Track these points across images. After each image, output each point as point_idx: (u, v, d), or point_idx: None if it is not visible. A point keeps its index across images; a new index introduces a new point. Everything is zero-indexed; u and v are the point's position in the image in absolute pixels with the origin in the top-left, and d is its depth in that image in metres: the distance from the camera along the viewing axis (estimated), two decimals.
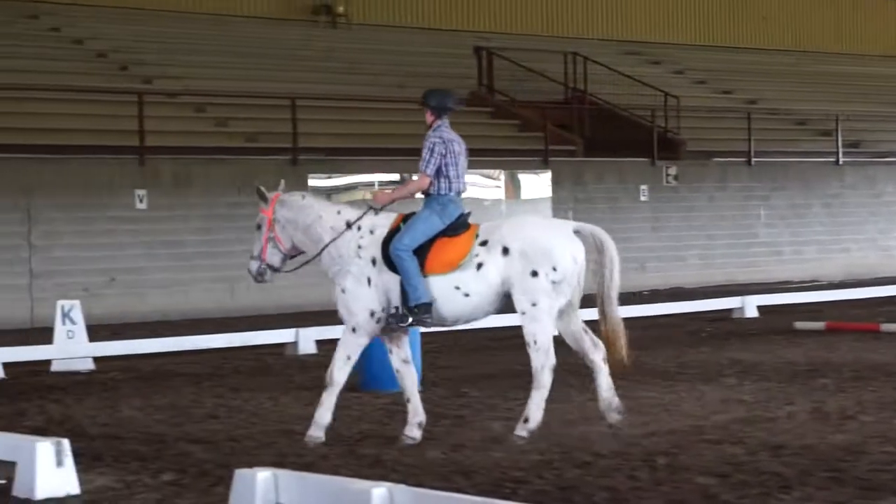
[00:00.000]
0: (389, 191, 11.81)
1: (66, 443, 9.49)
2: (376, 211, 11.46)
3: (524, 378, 15.06)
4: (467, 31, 38.76)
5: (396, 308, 11.05)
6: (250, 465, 9.10)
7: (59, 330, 17.11)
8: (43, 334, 18.83)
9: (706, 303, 23.83)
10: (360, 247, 11.20)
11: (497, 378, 15.29)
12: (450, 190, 11.31)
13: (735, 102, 38.07)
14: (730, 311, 23.24)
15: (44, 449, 9.35)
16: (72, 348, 17.06)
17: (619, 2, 42.60)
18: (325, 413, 11.23)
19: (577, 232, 11.15)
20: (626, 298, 27.79)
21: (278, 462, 9.97)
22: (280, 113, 27.78)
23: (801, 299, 24.84)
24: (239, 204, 25.64)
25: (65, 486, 9.36)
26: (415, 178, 11.61)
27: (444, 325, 11.49)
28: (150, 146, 25.14)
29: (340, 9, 37.14)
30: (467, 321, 11.37)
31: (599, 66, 34.78)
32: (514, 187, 29.50)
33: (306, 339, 18.44)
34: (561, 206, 29.82)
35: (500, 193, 29.21)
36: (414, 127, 29.18)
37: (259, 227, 11.61)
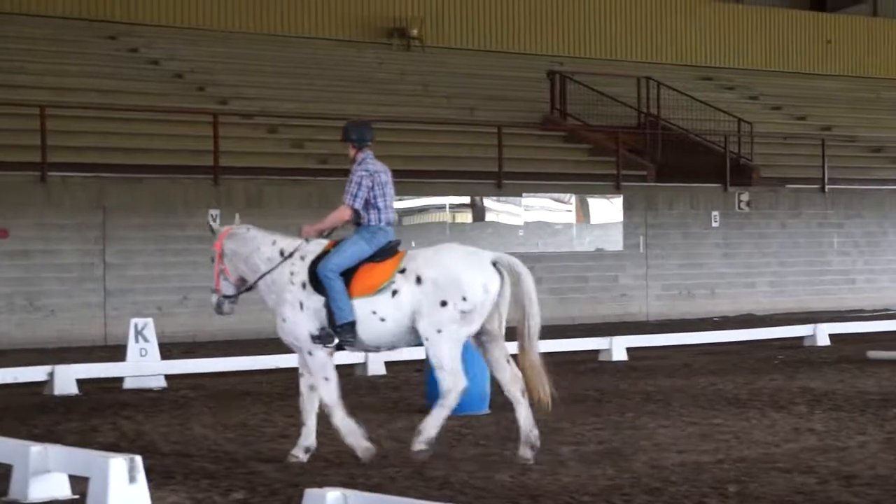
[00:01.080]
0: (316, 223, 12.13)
1: (138, 459, 9.57)
2: (307, 240, 11.82)
3: (591, 402, 15.08)
4: (541, 55, 38.76)
5: (323, 328, 11.40)
6: (320, 484, 9.16)
7: (132, 347, 17.28)
8: (116, 352, 19.02)
9: (777, 330, 23.66)
10: (292, 273, 11.59)
11: (564, 402, 15.21)
12: (379, 220, 11.64)
13: (809, 129, 37.83)
14: (801, 338, 23.07)
15: (117, 465, 9.42)
16: (144, 366, 17.21)
17: (693, 27, 42.50)
18: (354, 438, 11.47)
19: (495, 263, 11.23)
20: (696, 324, 27.66)
21: (347, 482, 10.02)
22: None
23: (874, 328, 24.61)
24: None
25: (137, 503, 9.44)
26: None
27: (366, 350, 11.84)
28: (225, 166, 25.34)
29: (414, 32, 37.29)
30: (389, 347, 11.67)
31: (673, 91, 34.70)
32: (584, 212, 29.46)
33: (376, 361, 18.50)
34: (632, 231, 29.75)
35: (570, 218, 29.19)
36: (485, 150, 29.39)
37: (213, 260, 12.10)
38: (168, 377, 17.41)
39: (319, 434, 13.02)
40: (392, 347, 11.69)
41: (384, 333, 11.34)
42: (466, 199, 27.90)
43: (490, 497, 9.66)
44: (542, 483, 10.23)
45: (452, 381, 11.23)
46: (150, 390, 16.72)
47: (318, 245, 11.74)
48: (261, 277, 11.77)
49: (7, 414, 14.59)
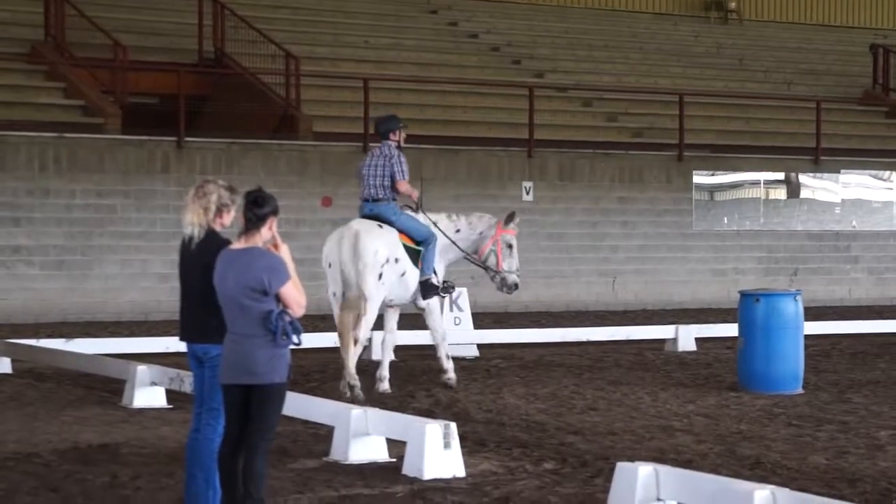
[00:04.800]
0: None
1: (453, 426, 9.82)
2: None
3: None
4: (863, 28, 37.68)
5: None
6: (630, 459, 9.21)
7: (447, 317, 17.60)
8: None
9: None
10: None
11: (882, 385, 14.90)
12: (361, 198, 14.22)
13: None
14: None
15: (433, 431, 9.70)
16: (458, 335, 17.49)
17: None
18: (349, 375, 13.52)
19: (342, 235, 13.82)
20: None
21: (657, 458, 10.04)
22: (667, 109, 27.77)
23: None
24: (625, 199, 25.81)
25: (451, 469, 9.69)
26: None
27: None
28: (539, 139, 25.55)
29: (732, 5, 36.74)
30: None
31: None
32: None
33: (686, 336, 18.39)
34: None
35: (891, 195, 28.30)
36: (802, 125, 28.76)
37: (510, 247, 14.73)
38: (481, 346, 17.69)
39: (631, 408, 13.09)
40: None
41: None
42: (781, 176, 27.38)
43: (804, 479, 9.53)
44: (860, 467, 10.03)
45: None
46: (463, 359, 16.98)
47: None
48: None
49: (328, 377, 15.09)
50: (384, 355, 14.38)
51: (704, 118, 28.78)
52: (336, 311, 13.75)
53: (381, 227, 13.89)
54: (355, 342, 13.59)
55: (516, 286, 14.70)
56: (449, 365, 14.35)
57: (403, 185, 13.99)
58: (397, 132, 14.19)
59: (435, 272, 14.20)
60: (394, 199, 14.08)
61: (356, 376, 13.51)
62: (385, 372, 14.17)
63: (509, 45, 30.81)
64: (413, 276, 14.04)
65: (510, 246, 14.58)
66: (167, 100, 23.92)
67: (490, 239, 14.56)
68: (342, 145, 24.10)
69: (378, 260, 13.66)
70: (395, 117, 14.46)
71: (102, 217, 22.13)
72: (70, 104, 23.63)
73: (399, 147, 14.15)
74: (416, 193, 14.32)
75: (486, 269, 14.68)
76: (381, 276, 13.70)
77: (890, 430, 11.64)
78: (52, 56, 24.68)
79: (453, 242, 14.48)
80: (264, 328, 7.54)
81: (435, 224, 14.38)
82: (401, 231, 13.99)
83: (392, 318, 14.53)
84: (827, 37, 36.52)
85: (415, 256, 13.99)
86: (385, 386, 14.03)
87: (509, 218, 14.67)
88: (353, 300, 13.63)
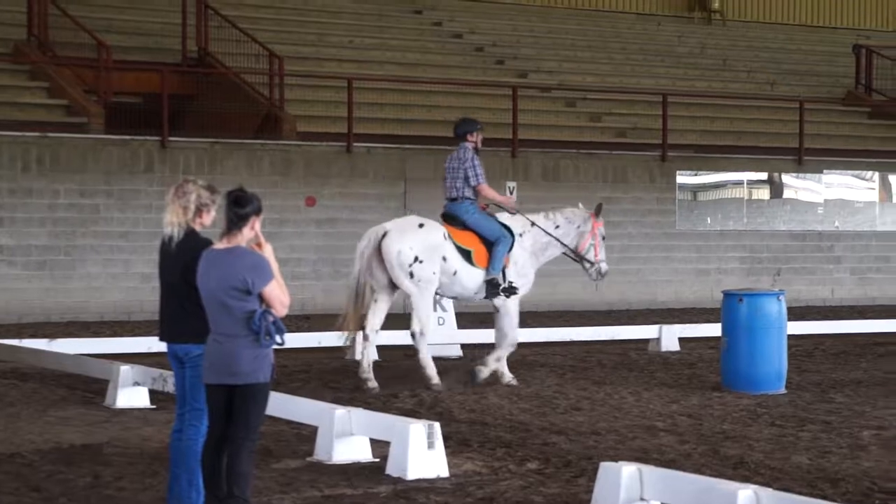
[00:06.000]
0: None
1: (436, 426, 9.81)
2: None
3: (893, 386, 14.70)
4: (846, 28, 37.78)
5: None
6: (613, 458, 9.21)
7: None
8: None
9: None
10: None
11: (864, 385, 14.94)
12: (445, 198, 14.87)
13: None
14: None
15: (416, 431, 9.69)
16: (442, 335, 17.47)
17: None
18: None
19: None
20: None
21: (640, 457, 10.05)
22: (651, 109, 27.81)
23: None
24: (609, 199, 25.80)
25: (435, 469, 9.69)
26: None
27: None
28: (523, 139, 25.56)
29: (716, 5, 36.81)
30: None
31: None
32: (887, 190, 28.58)
33: (670, 336, 18.41)
34: None
35: (872, 196, 28.37)
36: (785, 126, 28.82)
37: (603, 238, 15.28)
38: (464, 346, 17.67)
39: (614, 408, 13.10)
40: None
41: None
42: (764, 176, 27.43)
43: (787, 479, 9.55)
44: (842, 467, 10.05)
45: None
46: (447, 359, 16.98)
47: None
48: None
49: (312, 377, 15.11)
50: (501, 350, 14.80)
51: (688, 118, 28.82)
52: (350, 300, 14.23)
53: (421, 226, 14.30)
54: (364, 324, 14.17)
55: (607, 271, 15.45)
56: (504, 368, 14.69)
57: (485, 190, 14.61)
58: (474, 134, 14.86)
59: (504, 273, 14.44)
60: (468, 199, 14.55)
61: (369, 372, 14.05)
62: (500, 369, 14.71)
63: (493, 45, 30.83)
64: (468, 274, 14.39)
65: (603, 237, 15.30)
66: (150, 99, 23.89)
67: (589, 234, 15.10)
68: (326, 145, 24.09)
69: (402, 260, 14.03)
70: (472, 120, 15.25)
71: (85, 217, 22.09)
72: (53, 104, 23.58)
73: (476, 149, 14.74)
74: (508, 199, 15.35)
75: (583, 261, 15.17)
76: (411, 274, 14.01)
77: (872, 429, 11.67)
78: (35, 55, 24.63)
79: (556, 239, 14.93)
80: (247, 328, 7.53)
81: (533, 224, 14.83)
82: (471, 230, 14.43)
83: (497, 318, 14.82)
84: (810, 37, 36.60)
85: (467, 255, 14.34)
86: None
87: (599, 209, 15.35)
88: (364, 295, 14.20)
